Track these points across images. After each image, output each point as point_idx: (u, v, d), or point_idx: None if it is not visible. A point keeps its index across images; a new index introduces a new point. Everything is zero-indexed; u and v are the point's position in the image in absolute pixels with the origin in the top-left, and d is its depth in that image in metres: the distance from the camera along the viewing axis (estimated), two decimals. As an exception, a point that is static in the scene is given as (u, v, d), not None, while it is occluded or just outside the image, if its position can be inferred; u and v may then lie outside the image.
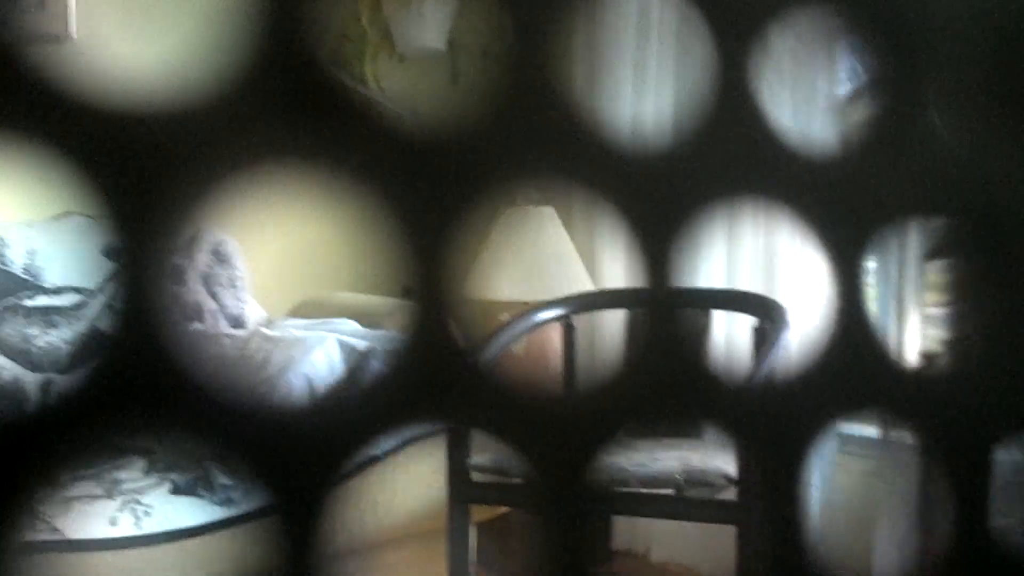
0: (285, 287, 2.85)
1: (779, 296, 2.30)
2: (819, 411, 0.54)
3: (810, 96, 2.43)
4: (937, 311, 2.28)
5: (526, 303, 2.55)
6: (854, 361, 0.53)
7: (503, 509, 2.43)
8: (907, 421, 0.57)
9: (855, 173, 0.53)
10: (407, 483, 2.18)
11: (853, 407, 0.57)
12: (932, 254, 2.25)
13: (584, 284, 2.78)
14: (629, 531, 2.79)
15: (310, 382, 2.19)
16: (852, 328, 0.53)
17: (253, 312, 2.63)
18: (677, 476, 1.84)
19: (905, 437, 2.07)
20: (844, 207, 0.53)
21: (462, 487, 2.01)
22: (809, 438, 0.53)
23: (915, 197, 0.54)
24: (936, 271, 2.22)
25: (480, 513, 2.28)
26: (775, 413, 0.53)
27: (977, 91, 0.56)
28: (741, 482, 1.83)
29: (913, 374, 0.56)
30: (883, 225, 0.54)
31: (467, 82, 3.01)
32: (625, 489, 1.87)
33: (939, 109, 0.54)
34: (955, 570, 0.56)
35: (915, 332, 2.32)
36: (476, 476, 2.01)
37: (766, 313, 2.04)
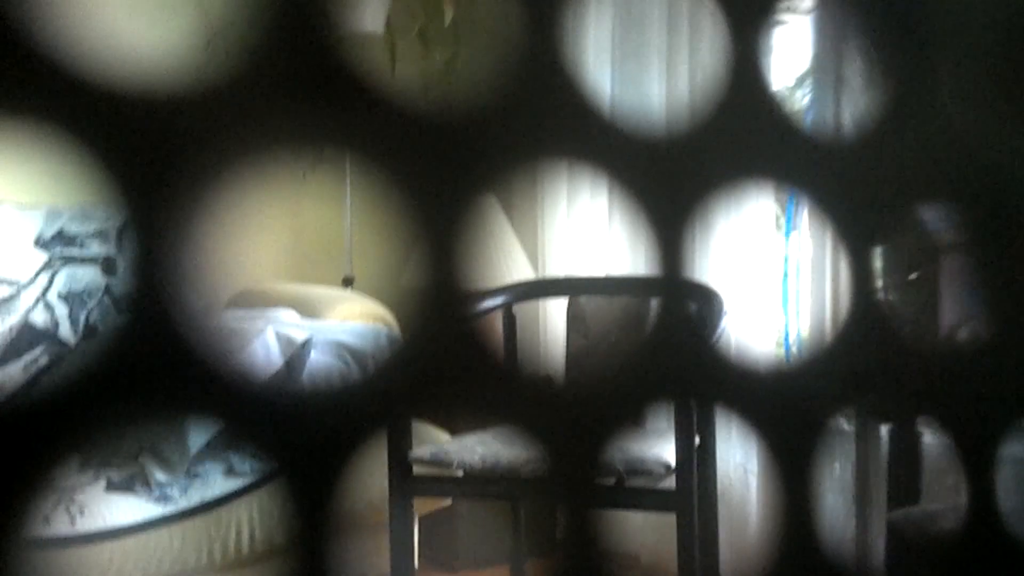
0: (223, 277, 2.81)
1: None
2: (832, 396, 0.54)
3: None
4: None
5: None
6: (866, 346, 0.53)
7: (446, 501, 2.43)
8: (917, 406, 0.57)
9: (867, 158, 0.53)
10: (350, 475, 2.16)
11: (863, 393, 0.57)
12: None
13: (525, 272, 2.78)
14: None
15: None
16: (864, 314, 0.53)
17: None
18: (617, 466, 1.85)
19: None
20: (856, 192, 0.53)
21: (404, 480, 2.00)
22: (822, 422, 0.53)
23: (927, 182, 0.54)
24: (877, 257, 2.25)
25: (423, 506, 2.27)
26: (791, 399, 0.53)
27: (990, 78, 0.56)
28: (679, 470, 1.84)
29: (924, 360, 0.56)
30: (894, 209, 0.54)
31: (404, 65, 2.99)
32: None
33: (952, 95, 0.54)
34: (960, 555, 0.56)
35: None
36: (418, 469, 2.01)
37: (703, 300, 2.06)
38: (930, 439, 1.98)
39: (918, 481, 1.74)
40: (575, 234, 2.82)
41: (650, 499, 1.94)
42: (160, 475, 1.95)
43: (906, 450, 1.74)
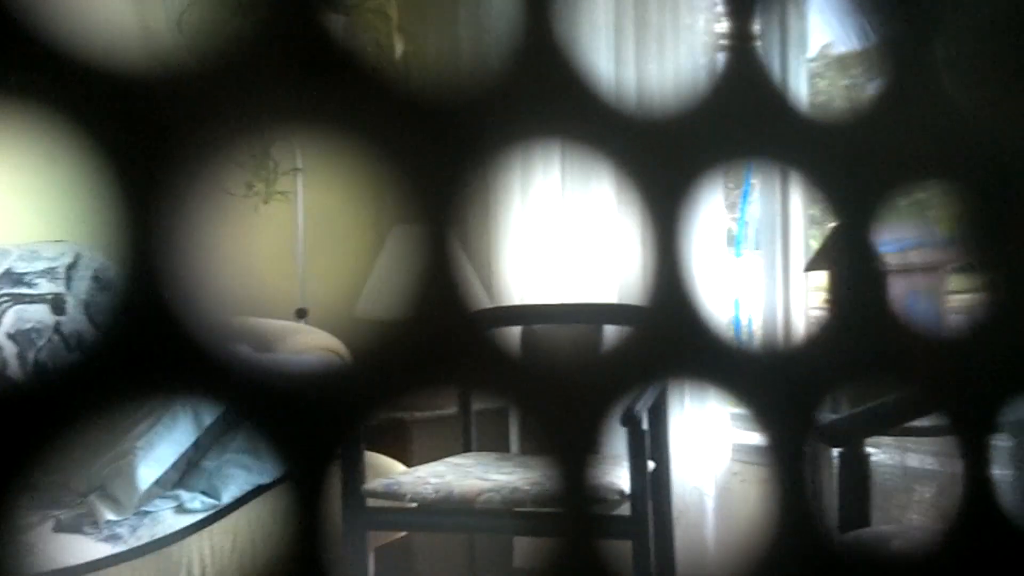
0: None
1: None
2: (830, 376, 0.54)
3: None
4: (819, 312, 2.39)
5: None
6: (867, 327, 0.54)
7: (401, 533, 2.41)
8: (922, 389, 0.57)
9: (865, 136, 0.53)
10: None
11: (863, 374, 0.57)
12: (810, 266, 2.33)
13: (481, 302, 2.78)
14: (530, 549, 2.80)
15: (196, 413, 2.14)
16: (866, 295, 0.53)
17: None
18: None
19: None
20: (854, 171, 0.53)
21: (357, 514, 1.98)
22: (816, 402, 0.53)
23: (925, 161, 0.55)
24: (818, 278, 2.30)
25: (378, 538, 2.25)
26: (782, 380, 0.53)
27: (989, 55, 0.56)
28: (633, 497, 1.85)
29: (926, 342, 0.56)
30: (893, 189, 0.54)
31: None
32: (520, 509, 1.87)
33: (950, 72, 0.54)
34: (962, 537, 0.56)
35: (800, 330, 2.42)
36: (371, 502, 1.99)
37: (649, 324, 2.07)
38: (880, 461, 2.01)
39: (868, 504, 1.76)
40: (527, 256, 2.83)
41: (606, 527, 1.94)
42: (109, 514, 1.92)
43: (856, 473, 1.76)
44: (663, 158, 0.49)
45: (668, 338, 0.52)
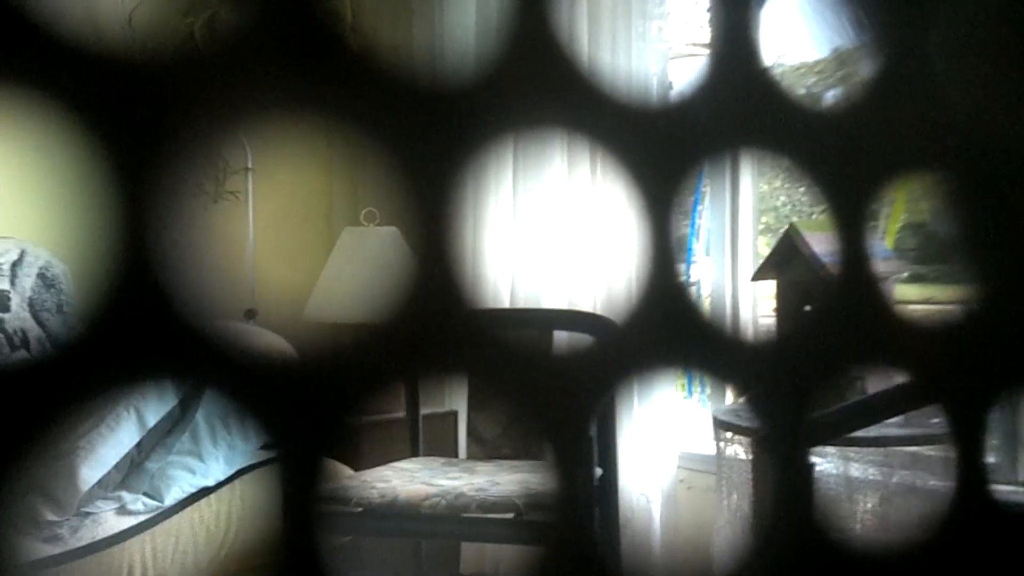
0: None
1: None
2: (828, 365, 0.54)
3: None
4: (767, 320, 2.43)
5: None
6: (861, 315, 0.54)
7: (346, 538, 2.40)
8: (918, 376, 0.57)
9: (858, 126, 0.53)
10: (243, 513, 2.12)
11: (861, 360, 0.57)
12: (757, 276, 2.36)
13: (458, 303, 2.76)
14: (477, 555, 2.79)
15: (140, 414, 2.11)
16: (858, 283, 0.53)
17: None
18: (516, 501, 1.85)
19: (739, 452, 2.14)
20: (847, 161, 0.53)
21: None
22: (816, 390, 0.53)
23: (918, 150, 0.55)
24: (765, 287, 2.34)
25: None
26: (785, 368, 0.53)
27: (981, 43, 0.56)
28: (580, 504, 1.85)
29: (921, 330, 0.56)
30: (885, 179, 0.54)
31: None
32: (466, 515, 1.87)
33: (943, 61, 0.54)
34: (955, 528, 0.57)
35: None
36: (318, 504, 1.98)
37: (601, 331, 2.08)
38: (823, 471, 2.03)
39: (813, 514, 1.78)
40: (494, 257, 2.82)
41: (548, 534, 1.94)
42: (49, 514, 1.89)
43: (801, 483, 1.78)
44: (646, 153, 0.49)
45: (638, 339, 0.52)
